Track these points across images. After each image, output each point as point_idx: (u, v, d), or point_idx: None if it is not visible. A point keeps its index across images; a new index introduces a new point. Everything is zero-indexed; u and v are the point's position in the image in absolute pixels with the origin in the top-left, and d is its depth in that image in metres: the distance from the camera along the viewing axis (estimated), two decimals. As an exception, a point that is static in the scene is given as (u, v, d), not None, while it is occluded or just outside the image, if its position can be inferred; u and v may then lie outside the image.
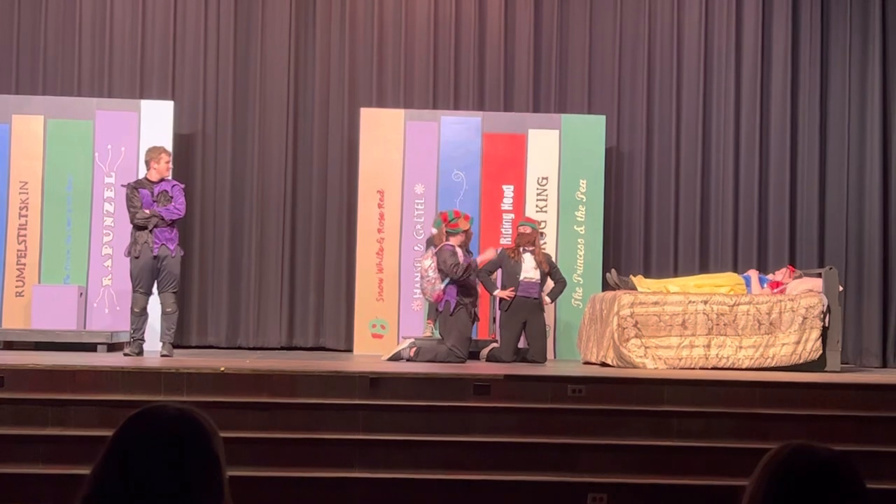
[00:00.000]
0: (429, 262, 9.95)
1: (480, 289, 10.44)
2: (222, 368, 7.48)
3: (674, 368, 9.27)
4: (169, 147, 10.39)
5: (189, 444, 2.02)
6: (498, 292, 10.39)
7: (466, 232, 10.10)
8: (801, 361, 9.41)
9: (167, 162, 9.62)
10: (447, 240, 10.03)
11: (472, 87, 12.14)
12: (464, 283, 9.90)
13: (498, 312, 10.61)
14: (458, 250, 9.98)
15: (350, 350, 11.47)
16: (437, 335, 10.22)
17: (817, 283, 9.83)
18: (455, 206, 10.92)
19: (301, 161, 12.08)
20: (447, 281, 9.88)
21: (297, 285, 11.98)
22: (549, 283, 10.49)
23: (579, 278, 11.46)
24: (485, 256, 10.26)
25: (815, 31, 12.20)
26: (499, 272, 10.52)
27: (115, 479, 1.98)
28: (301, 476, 6.66)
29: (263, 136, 12.01)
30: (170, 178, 9.68)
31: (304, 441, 6.92)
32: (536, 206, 11.53)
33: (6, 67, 11.94)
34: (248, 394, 7.28)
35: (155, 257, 9.40)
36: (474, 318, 10.16)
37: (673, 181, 12.10)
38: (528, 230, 10.44)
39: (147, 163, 9.66)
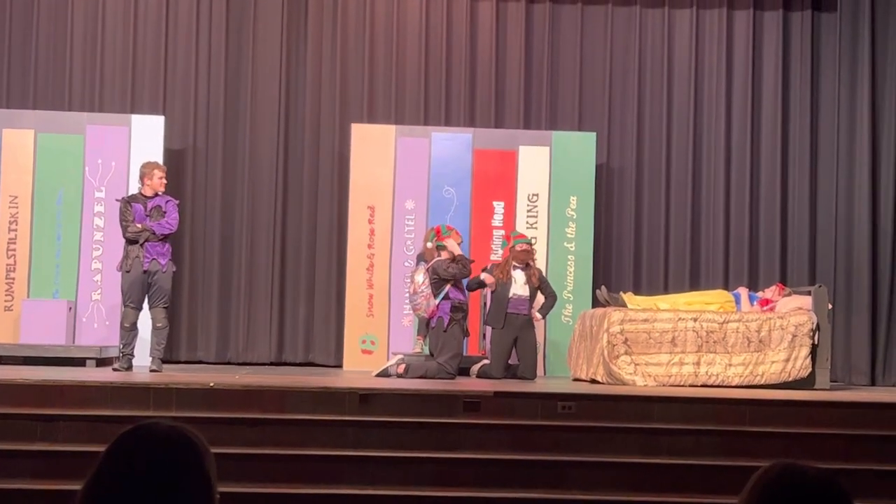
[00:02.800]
0: (421, 278, 9.95)
1: (472, 302, 10.44)
2: (211, 384, 7.47)
3: (663, 386, 9.27)
4: (160, 162, 10.37)
5: (181, 463, 2.01)
6: (482, 276, 10.32)
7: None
8: (790, 379, 9.42)
9: (160, 177, 9.62)
10: (438, 254, 10.04)
11: (463, 103, 12.17)
12: (458, 283, 9.91)
13: (488, 329, 10.59)
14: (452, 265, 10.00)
15: (340, 366, 11.45)
16: (427, 351, 10.21)
17: (807, 301, 9.85)
18: (447, 223, 10.93)
19: (292, 176, 12.08)
20: (441, 295, 9.88)
21: (286, 301, 11.96)
22: (539, 299, 10.47)
23: (569, 295, 11.46)
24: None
25: (806, 50, 12.26)
26: (488, 289, 10.50)
27: (106, 496, 1.97)
28: (291, 492, 6.64)
29: (254, 151, 12.02)
30: (163, 193, 9.67)
31: (294, 457, 6.91)
32: (527, 222, 11.55)
33: (-3, 81, 11.94)
34: (238, 409, 7.27)
35: (145, 272, 9.38)
36: (465, 334, 10.17)
37: (663, 198, 12.13)
38: (527, 247, 10.41)
39: (141, 178, 9.67)
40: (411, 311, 10.74)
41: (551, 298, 10.51)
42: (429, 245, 10.25)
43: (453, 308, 9.94)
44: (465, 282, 10.39)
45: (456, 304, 9.99)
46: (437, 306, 9.89)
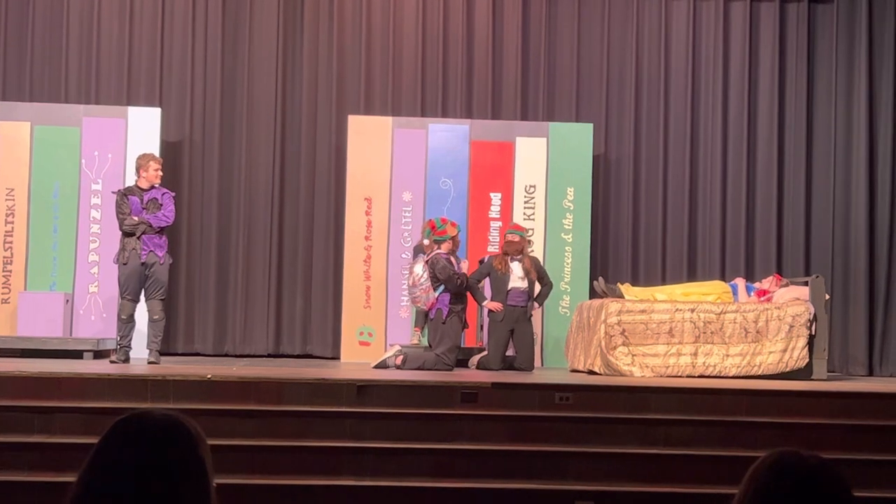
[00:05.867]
0: (421, 270, 9.93)
1: (468, 296, 10.45)
2: (209, 376, 7.47)
3: (661, 376, 9.28)
4: (157, 154, 10.36)
5: (175, 450, 2.01)
6: (487, 303, 10.34)
7: (454, 238, 10.11)
8: (787, 370, 9.43)
9: (156, 169, 9.61)
10: (437, 247, 10.02)
11: (459, 94, 12.15)
12: (459, 293, 9.90)
13: (486, 320, 10.60)
14: (452, 259, 9.99)
15: (337, 358, 11.46)
16: (425, 342, 10.20)
17: (804, 292, 9.86)
18: (443, 214, 10.92)
19: (288, 168, 12.06)
20: (441, 288, 9.87)
21: (284, 292, 11.96)
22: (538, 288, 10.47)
23: (567, 286, 11.46)
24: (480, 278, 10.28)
25: (802, 41, 12.25)
26: (486, 280, 10.50)
27: (101, 484, 1.97)
28: (288, 484, 6.65)
29: (251, 143, 12.00)
30: (159, 185, 9.67)
31: (292, 449, 6.91)
32: (524, 213, 11.54)
33: (-7, 74, 11.92)
34: (235, 401, 7.27)
35: (143, 264, 9.38)
36: (464, 326, 10.17)
37: (660, 189, 12.13)
38: (517, 238, 10.42)
39: (137, 170, 9.67)
40: (409, 303, 10.73)
41: (547, 287, 10.52)
42: (426, 242, 10.24)
43: (452, 300, 9.93)
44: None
45: (455, 296, 9.97)
46: (437, 298, 9.89)
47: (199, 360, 10.93)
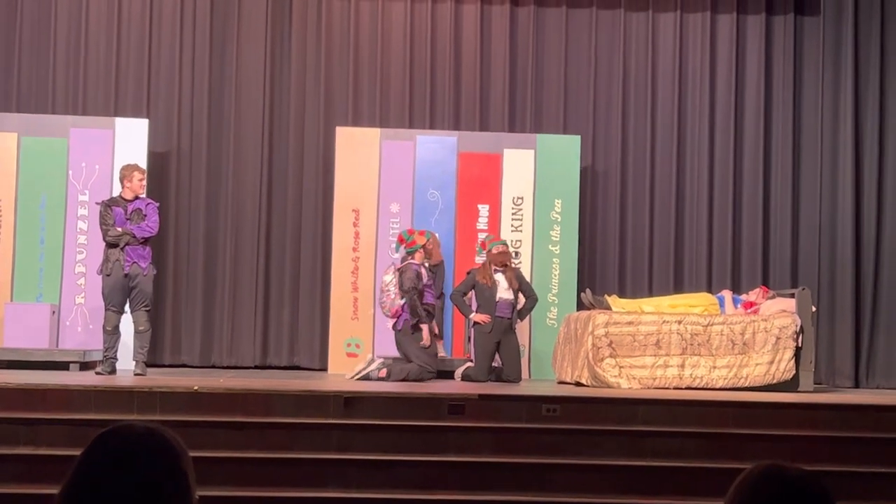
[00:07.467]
0: (390, 278, 9.95)
1: (455, 310, 10.44)
2: (196, 387, 7.45)
3: (648, 388, 9.29)
4: (143, 165, 10.35)
5: (157, 462, 2.01)
6: (474, 316, 10.33)
7: (425, 247, 10.09)
8: (774, 382, 9.45)
9: (140, 180, 9.59)
10: (412, 258, 10.01)
11: (447, 106, 12.17)
12: (411, 305, 9.84)
13: (472, 331, 10.59)
14: (423, 270, 9.98)
15: (324, 369, 11.44)
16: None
17: (790, 304, 9.88)
18: (430, 226, 10.93)
19: (276, 179, 12.06)
20: (406, 298, 9.85)
21: (271, 304, 11.94)
22: (520, 300, 10.47)
23: (554, 298, 11.47)
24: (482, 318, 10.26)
25: (789, 52, 12.30)
26: (472, 293, 10.48)
27: (84, 498, 1.97)
28: (275, 496, 6.64)
29: (238, 154, 11.99)
30: (144, 195, 9.66)
31: (278, 461, 6.90)
32: (512, 225, 11.55)
33: (-20, 84, 11.89)
34: (222, 413, 7.25)
35: (126, 275, 9.35)
36: (437, 336, 10.12)
37: (647, 201, 12.15)
38: (502, 248, 10.43)
39: (121, 180, 9.64)
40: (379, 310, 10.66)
41: (532, 300, 10.52)
42: (395, 255, 10.23)
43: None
44: (449, 291, 10.41)
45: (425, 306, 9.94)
46: (402, 307, 9.86)
47: (185, 371, 10.90)
